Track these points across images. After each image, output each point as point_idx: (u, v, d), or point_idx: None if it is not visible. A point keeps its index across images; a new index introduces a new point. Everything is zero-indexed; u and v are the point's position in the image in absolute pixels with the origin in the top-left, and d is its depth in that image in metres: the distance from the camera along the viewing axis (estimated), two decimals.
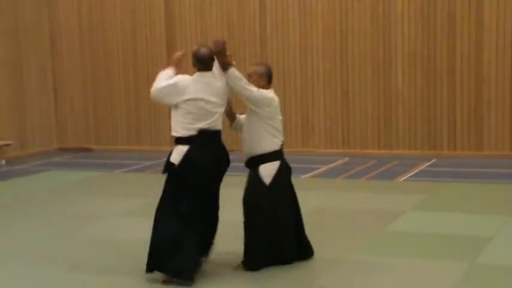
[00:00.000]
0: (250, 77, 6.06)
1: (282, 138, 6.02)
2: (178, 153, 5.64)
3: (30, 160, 12.76)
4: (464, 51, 11.43)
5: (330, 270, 5.82)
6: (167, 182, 5.72)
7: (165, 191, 5.74)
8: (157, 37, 13.34)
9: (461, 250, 6.31)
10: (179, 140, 5.69)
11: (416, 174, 10.12)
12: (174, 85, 5.77)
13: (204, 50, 5.89)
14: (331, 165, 11.07)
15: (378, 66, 11.92)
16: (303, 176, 10.10)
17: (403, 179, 9.85)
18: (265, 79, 6.05)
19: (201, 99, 5.69)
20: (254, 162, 5.90)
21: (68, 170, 11.69)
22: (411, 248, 6.44)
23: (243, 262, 5.88)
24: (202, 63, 5.85)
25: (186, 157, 5.59)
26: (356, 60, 12.04)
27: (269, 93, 6.01)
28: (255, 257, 5.86)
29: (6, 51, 13.03)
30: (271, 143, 5.90)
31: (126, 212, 8.20)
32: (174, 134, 5.75)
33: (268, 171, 5.84)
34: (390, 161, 11.28)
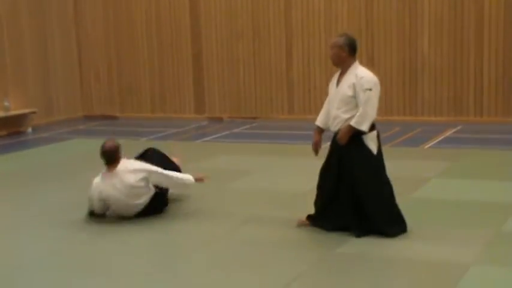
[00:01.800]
0: (331, 49, 5.90)
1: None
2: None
3: (56, 128, 12.87)
4: (492, 16, 11.24)
5: (352, 237, 5.81)
6: None
7: None
8: (180, 4, 13.28)
9: (486, 217, 6.27)
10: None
11: (441, 141, 10.05)
12: None
13: None
14: None
15: (404, 32, 11.78)
16: (327, 143, 10.04)
17: (428, 146, 9.79)
18: (346, 50, 5.80)
19: None
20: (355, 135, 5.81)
21: (93, 137, 11.76)
22: (436, 215, 6.41)
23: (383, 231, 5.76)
24: None
25: None
26: (381, 26, 11.91)
27: (373, 84, 5.82)
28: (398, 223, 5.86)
29: (31, 19, 13.07)
30: None
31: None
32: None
33: (371, 141, 5.86)
34: (415, 127, 11.21)
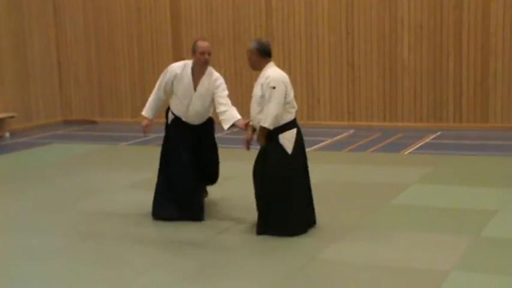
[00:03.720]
0: (246, 55, 6.20)
1: (296, 108, 6.10)
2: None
3: (35, 132, 12.76)
4: (471, 22, 11.32)
5: (334, 243, 5.81)
6: None
7: None
8: (161, 7, 13.24)
9: (466, 223, 6.29)
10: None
11: (421, 147, 10.09)
12: None
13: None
14: (336, 138, 11.04)
15: (384, 38, 11.83)
16: (308, 149, 10.04)
17: (408, 151, 9.81)
18: (256, 54, 6.05)
19: None
20: (272, 133, 5.93)
21: (73, 142, 11.69)
22: (416, 221, 6.42)
23: (280, 231, 5.94)
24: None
25: None
26: (362, 32, 11.95)
27: (277, 82, 5.93)
28: (294, 224, 5.97)
29: (10, 23, 12.96)
30: (287, 114, 5.99)
31: (130, 185, 8.19)
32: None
33: (287, 140, 5.96)
34: (395, 133, 11.24)
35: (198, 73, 6.59)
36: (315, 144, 10.42)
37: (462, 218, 6.46)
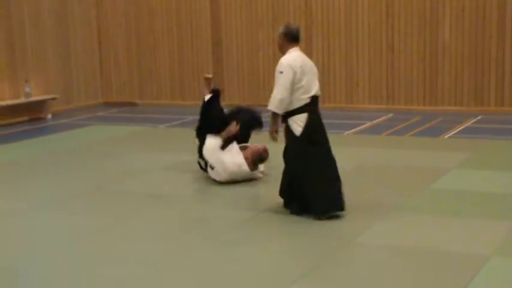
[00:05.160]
0: (276, 39, 6.32)
1: (311, 94, 6.06)
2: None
3: (76, 114, 12.92)
4: None
5: (372, 227, 5.80)
6: None
7: None
8: None
9: (506, 209, 6.22)
10: None
11: (461, 131, 9.97)
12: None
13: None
14: (375, 121, 10.97)
15: (425, 20, 11.67)
16: (346, 132, 10.04)
17: (448, 136, 9.71)
18: (283, 38, 6.12)
19: None
20: (284, 118, 6.10)
21: (113, 124, 11.82)
22: (455, 206, 6.37)
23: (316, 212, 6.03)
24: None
25: None
26: (402, 14, 11.81)
27: (284, 67, 5.98)
28: (318, 205, 6.05)
29: (52, 5, 13.10)
30: (297, 100, 6.02)
31: (169, 167, 8.27)
32: None
33: (295, 123, 6.03)
34: (435, 117, 11.13)
35: None
36: (353, 128, 10.37)
37: (502, 204, 6.39)
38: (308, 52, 12.45)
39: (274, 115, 6.04)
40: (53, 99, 12.82)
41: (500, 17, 11.21)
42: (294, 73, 5.96)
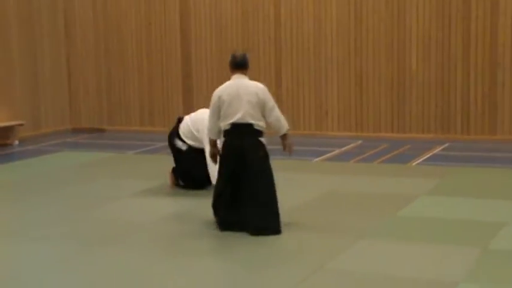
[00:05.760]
0: None
1: (231, 121, 6.38)
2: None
3: (43, 140, 12.80)
4: (479, 34, 11.33)
5: (341, 254, 5.81)
6: None
7: None
8: (171, 22, 13.30)
9: (474, 235, 6.28)
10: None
11: (429, 158, 10.08)
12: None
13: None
14: (344, 148, 11.05)
15: (392, 49, 11.85)
16: (315, 159, 10.09)
17: (416, 162, 9.81)
18: (229, 67, 6.61)
19: None
20: None
21: (81, 150, 11.73)
22: (423, 233, 6.42)
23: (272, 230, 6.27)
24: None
25: None
26: (370, 43, 11.97)
27: (213, 97, 6.63)
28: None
29: (21, 29, 13.04)
30: (223, 126, 6.48)
31: (137, 193, 8.22)
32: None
33: (220, 146, 6.63)
34: (403, 144, 11.24)
35: None
36: (322, 155, 10.43)
37: (470, 230, 6.45)
38: (277, 80, 12.57)
39: (211, 140, 6.65)
40: (20, 125, 12.69)
41: (465, 46, 11.43)
42: (217, 101, 6.43)
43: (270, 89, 12.35)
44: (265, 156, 6.42)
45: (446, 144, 11.17)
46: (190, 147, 8.18)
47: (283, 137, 6.55)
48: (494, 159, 9.94)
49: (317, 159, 10.16)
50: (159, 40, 13.44)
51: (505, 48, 11.21)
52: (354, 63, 12.09)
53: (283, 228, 6.35)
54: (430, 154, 10.41)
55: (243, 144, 6.31)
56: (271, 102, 6.46)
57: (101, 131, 13.90)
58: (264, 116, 6.42)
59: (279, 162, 9.88)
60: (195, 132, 8.12)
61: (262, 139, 6.43)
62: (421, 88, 11.75)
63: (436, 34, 11.57)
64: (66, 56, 14.04)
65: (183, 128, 8.26)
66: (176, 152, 8.30)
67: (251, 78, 6.68)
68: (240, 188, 6.35)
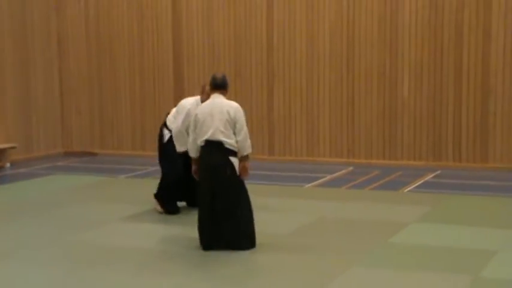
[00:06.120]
0: None
1: (204, 138, 6.66)
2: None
3: (35, 163, 12.76)
4: (471, 62, 11.40)
5: (332, 282, 5.78)
6: None
7: None
8: (164, 43, 13.35)
9: (465, 263, 6.26)
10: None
11: (420, 186, 10.08)
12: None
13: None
14: (335, 175, 11.04)
15: (384, 76, 11.90)
16: (307, 185, 10.07)
17: (407, 190, 9.81)
18: (209, 87, 6.94)
19: None
20: None
21: (72, 174, 11.69)
22: (414, 261, 6.40)
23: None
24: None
25: None
26: (362, 69, 12.03)
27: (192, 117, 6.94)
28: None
29: (14, 53, 13.05)
30: (200, 143, 6.73)
31: (127, 218, 8.17)
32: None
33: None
34: (395, 171, 11.25)
35: None
36: (314, 181, 10.42)
37: (462, 258, 6.43)
38: (269, 105, 12.60)
39: (192, 158, 6.87)
40: (12, 148, 12.65)
41: (457, 74, 11.49)
42: (194, 119, 6.75)
43: (261, 113, 12.54)
44: (233, 176, 6.61)
45: (438, 172, 11.18)
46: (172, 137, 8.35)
47: (243, 158, 6.72)
48: (486, 187, 9.95)
49: (309, 185, 10.14)
50: (152, 64, 13.47)
51: (497, 76, 11.28)
52: (346, 89, 12.13)
53: (273, 252, 6.32)
54: (422, 181, 10.41)
55: (213, 161, 6.60)
56: (241, 121, 6.76)
57: (92, 154, 13.87)
58: (235, 134, 6.67)
59: (270, 187, 9.88)
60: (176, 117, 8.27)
61: (233, 158, 6.62)
62: (413, 115, 11.79)
63: (428, 62, 11.64)
64: (59, 77, 14.04)
65: (169, 117, 8.46)
66: (161, 146, 8.48)
67: (242, 100, 6.90)
68: (215, 205, 6.61)
